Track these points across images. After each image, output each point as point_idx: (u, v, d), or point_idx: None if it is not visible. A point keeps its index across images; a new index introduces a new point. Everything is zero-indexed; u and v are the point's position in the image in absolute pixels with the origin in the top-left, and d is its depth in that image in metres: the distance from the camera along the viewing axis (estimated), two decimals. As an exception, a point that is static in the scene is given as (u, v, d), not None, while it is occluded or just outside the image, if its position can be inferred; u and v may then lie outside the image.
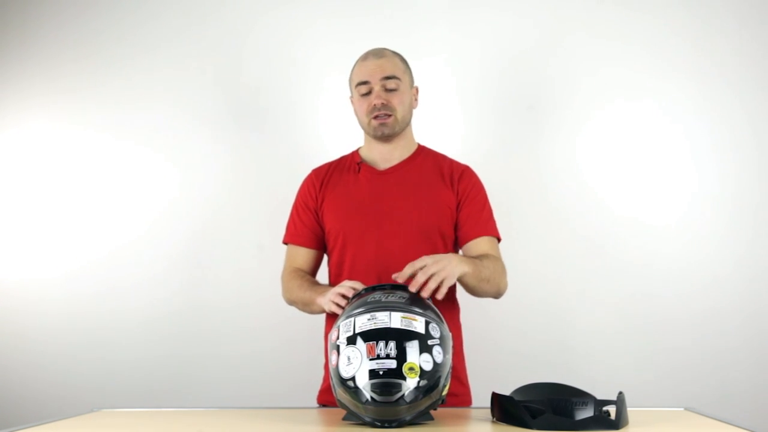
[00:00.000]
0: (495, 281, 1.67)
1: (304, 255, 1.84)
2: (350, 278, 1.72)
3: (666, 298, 2.39)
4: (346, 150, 1.92)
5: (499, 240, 1.79)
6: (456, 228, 1.78)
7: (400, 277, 1.46)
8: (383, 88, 1.75)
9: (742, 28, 2.46)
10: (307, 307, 1.73)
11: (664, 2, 2.48)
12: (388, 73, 1.76)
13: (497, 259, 1.73)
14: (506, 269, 1.74)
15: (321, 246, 1.85)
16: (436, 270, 1.45)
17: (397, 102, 1.76)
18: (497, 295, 1.73)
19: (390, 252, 1.71)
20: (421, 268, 1.44)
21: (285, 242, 1.87)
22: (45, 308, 2.50)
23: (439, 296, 1.44)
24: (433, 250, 1.71)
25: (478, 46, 2.50)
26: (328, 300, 1.55)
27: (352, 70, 1.82)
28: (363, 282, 1.55)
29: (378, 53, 1.79)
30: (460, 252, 1.80)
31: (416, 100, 1.85)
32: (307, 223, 1.83)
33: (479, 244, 1.74)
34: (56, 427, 1.38)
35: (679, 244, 2.41)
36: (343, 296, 1.51)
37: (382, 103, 1.74)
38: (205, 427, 1.37)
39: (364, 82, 1.76)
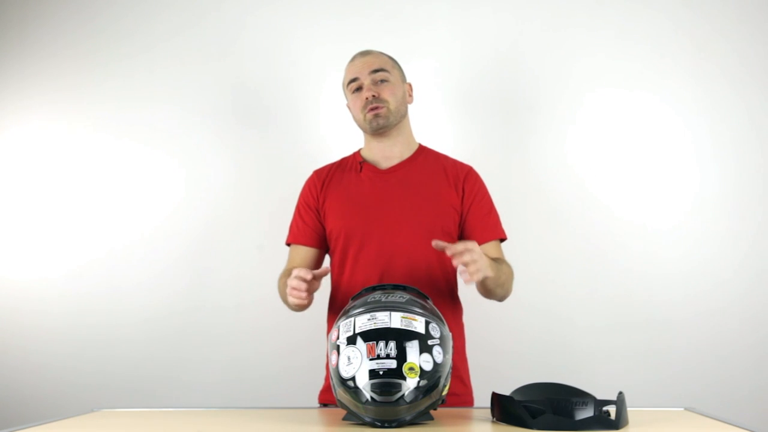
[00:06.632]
0: (507, 286, 1.72)
1: (303, 254, 1.82)
2: (352, 278, 1.74)
3: (666, 297, 2.39)
4: (348, 150, 1.92)
5: (505, 239, 1.82)
6: (462, 229, 1.78)
7: (447, 249, 1.46)
8: (373, 81, 1.77)
9: (743, 27, 2.45)
10: (287, 305, 1.67)
11: (664, 1, 2.47)
12: (375, 67, 1.79)
13: (508, 264, 1.76)
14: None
15: (323, 245, 1.83)
16: (478, 258, 1.46)
17: (388, 93, 1.77)
18: (503, 299, 1.75)
19: (392, 251, 1.71)
20: (469, 250, 1.45)
21: (287, 243, 1.86)
22: (45, 308, 2.50)
23: (468, 283, 1.50)
24: (436, 249, 1.72)
25: (477, 46, 2.50)
26: (288, 294, 1.53)
27: (344, 76, 1.85)
28: (366, 281, 1.54)
29: (363, 52, 1.84)
30: None
31: (411, 95, 1.87)
32: (309, 222, 1.82)
33: (487, 250, 1.74)
34: (56, 427, 1.38)
35: (679, 245, 2.41)
36: (302, 280, 1.48)
37: (374, 95, 1.76)
38: (205, 427, 1.37)
39: (354, 79, 1.80)
